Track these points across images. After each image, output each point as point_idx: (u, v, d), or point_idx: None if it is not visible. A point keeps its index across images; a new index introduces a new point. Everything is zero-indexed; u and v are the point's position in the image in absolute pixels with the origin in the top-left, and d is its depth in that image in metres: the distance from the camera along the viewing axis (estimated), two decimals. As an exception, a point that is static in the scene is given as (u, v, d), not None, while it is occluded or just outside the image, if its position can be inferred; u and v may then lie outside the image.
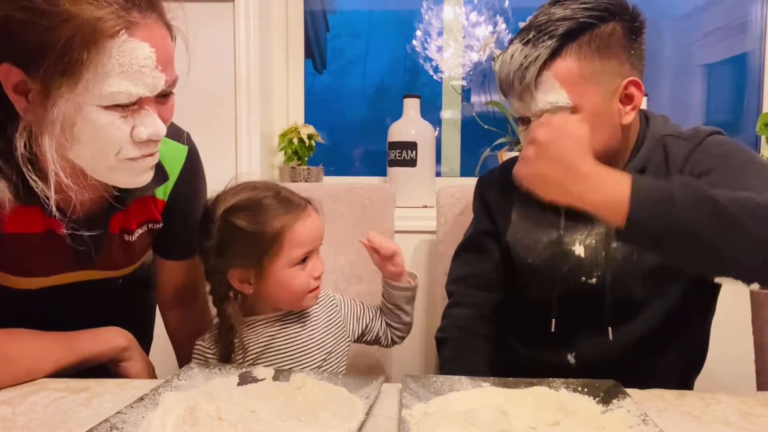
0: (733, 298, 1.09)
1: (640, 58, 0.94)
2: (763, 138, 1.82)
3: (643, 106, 1.03)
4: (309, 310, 1.01)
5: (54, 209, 0.76)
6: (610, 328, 0.97)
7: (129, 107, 0.73)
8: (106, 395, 0.76)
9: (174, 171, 0.96)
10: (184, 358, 1.06)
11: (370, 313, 1.09)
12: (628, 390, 0.73)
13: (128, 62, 0.70)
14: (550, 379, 0.77)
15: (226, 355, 0.95)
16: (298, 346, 0.97)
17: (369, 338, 1.09)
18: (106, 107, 0.71)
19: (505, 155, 1.70)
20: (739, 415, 0.71)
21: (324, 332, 1.00)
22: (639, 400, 0.72)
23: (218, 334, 0.96)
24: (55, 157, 0.72)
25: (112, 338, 0.92)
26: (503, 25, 1.97)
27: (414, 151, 1.75)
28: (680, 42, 2.45)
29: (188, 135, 1.00)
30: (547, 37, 0.88)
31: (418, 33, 2.03)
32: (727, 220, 0.69)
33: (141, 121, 0.74)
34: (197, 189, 1.02)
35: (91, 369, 0.89)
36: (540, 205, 1.03)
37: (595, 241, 0.97)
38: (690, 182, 0.74)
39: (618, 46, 0.90)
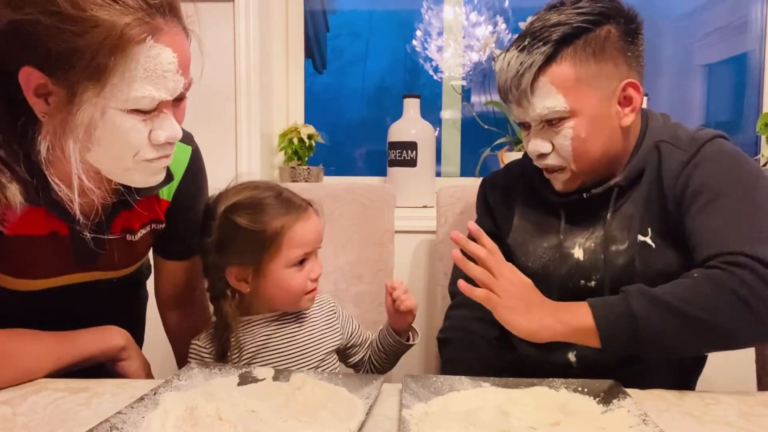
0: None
1: (638, 59, 0.94)
2: (763, 138, 1.82)
3: (644, 106, 1.03)
4: (306, 313, 1.01)
5: (78, 213, 0.77)
6: None
7: (150, 112, 0.74)
8: (106, 395, 0.76)
9: (178, 171, 0.96)
10: (183, 358, 1.06)
11: (360, 339, 1.09)
12: (628, 390, 0.73)
13: (153, 67, 0.70)
14: (551, 379, 0.77)
15: (221, 353, 0.95)
16: (294, 347, 0.97)
17: (350, 361, 1.09)
18: (129, 111, 0.72)
19: (505, 155, 1.70)
20: (739, 415, 0.71)
21: (320, 335, 1.00)
22: (639, 400, 0.72)
23: (214, 332, 0.97)
24: (78, 161, 0.72)
25: (111, 338, 0.92)
26: (503, 25, 1.97)
27: (414, 151, 1.75)
28: (680, 42, 2.45)
29: (191, 135, 1.01)
30: (541, 43, 0.89)
31: (418, 33, 2.02)
32: (683, 319, 0.76)
33: (159, 124, 0.75)
34: (200, 189, 1.03)
35: (89, 368, 0.89)
36: (541, 210, 1.03)
37: (594, 244, 0.97)
38: (644, 291, 0.78)
39: (614, 48, 0.90)
